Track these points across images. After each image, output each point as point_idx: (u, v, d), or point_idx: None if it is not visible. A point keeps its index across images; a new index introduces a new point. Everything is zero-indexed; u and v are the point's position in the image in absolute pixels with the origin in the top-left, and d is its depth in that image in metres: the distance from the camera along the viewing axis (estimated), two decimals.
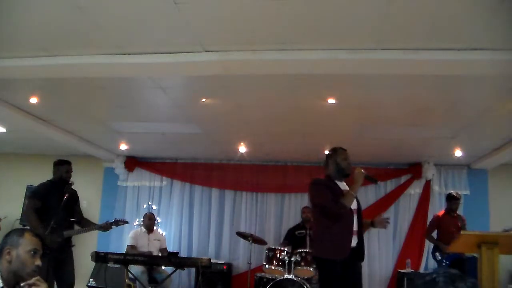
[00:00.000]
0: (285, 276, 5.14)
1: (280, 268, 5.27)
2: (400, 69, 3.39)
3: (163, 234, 6.84)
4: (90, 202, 7.27)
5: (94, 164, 7.61)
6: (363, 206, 3.83)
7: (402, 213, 6.98)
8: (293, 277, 5.12)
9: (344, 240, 3.41)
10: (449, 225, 5.59)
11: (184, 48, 3.32)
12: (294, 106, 4.66)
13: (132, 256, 4.73)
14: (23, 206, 7.02)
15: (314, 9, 2.75)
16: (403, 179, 7.08)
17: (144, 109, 5.07)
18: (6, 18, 3.01)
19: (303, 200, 7.21)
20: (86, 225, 4.65)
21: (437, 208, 6.80)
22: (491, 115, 4.54)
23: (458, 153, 6.10)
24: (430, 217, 6.77)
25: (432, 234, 5.88)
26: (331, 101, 4.38)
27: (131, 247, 5.94)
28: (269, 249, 5.46)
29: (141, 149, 7.21)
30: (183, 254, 7.05)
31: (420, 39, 3.02)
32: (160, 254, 6.01)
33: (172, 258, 4.67)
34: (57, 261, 4.29)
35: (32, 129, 5.78)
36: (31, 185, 7.06)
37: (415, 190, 7.04)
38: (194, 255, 7.18)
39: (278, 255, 5.33)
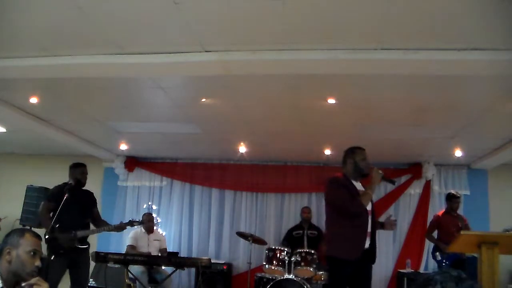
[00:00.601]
0: (285, 276, 5.15)
1: (280, 268, 5.27)
2: (400, 69, 3.39)
3: (163, 234, 6.84)
4: None
5: (94, 164, 7.58)
6: None
7: (402, 213, 6.98)
8: (293, 277, 5.12)
9: (359, 240, 3.40)
10: (449, 225, 5.58)
11: (184, 48, 3.32)
12: (294, 106, 4.66)
13: (132, 256, 4.73)
14: (23, 206, 7.02)
15: (314, 9, 2.75)
16: (403, 179, 7.08)
17: (144, 109, 5.07)
18: (6, 18, 3.01)
19: (303, 200, 7.23)
20: (101, 225, 4.67)
21: (437, 208, 6.80)
22: (491, 115, 4.54)
23: (458, 153, 6.10)
24: (430, 217, 6.77)
25: (433, 234, 5.87)
26: (331, 101, 4.38)
27: (131, 247, 5.94)
28: (269, 249, 5.47)
29: (141, 149, 7.22)
30: (183, 254, 7.05)
31: (420, 39, 3.02)
32: (160, 254, 6.00)
33: (172, 258, 4.68)
34: (73, 262, 4.33)
35: (32, 129, 5.78)
36: (31, 185, 7.07)
37: (415, 190, 7.04)
38: (194, 255, 7.18)
39: (278, 255, 5.33)
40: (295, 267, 5.22)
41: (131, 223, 4.78)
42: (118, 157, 7.52)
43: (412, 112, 4.67)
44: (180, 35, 3.15)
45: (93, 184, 7.53)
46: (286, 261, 5.27)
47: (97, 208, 4.84)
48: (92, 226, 4.70)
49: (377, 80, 3.83)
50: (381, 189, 7.04)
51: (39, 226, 6.38)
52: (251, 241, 5.93)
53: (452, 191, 5.95)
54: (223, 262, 6.84)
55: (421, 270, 6.58)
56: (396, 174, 7.06)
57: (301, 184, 7.27)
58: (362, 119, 4.99)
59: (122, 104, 4.92)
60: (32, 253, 2.14)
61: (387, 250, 6.87)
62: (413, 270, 6.35)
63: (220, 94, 4.45)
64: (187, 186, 7.59)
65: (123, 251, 6.11)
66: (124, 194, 7.66)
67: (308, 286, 5.05)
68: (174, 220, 7.46)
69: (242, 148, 6.38)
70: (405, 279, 6.12)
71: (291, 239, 6.36)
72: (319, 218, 7.02)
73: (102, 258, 4.40)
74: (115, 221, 5.60)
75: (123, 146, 6.88)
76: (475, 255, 3.90)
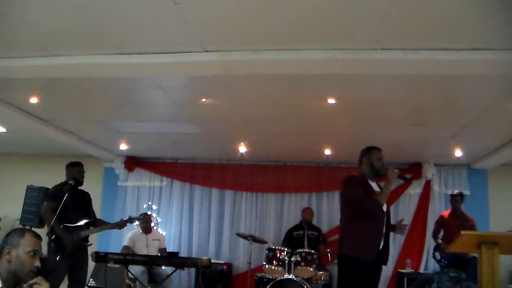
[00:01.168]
0: (285, 276, 5.15)
1: (280, 268, 5.27)
2: (400, 69, 3.39)
3: (163, 234, 6.84)
4: None
5: (94, 164, 7.60)
6: None
7: (402, 213, 6.96)
8: (293, 277, 5.12)
9: (374, 241, 3.40)
10: (452, 224, 5.59)
11: (184, 48, 3.32)
12: (294, 106, 4.66)
13: (132, 256, 4.73)
14: (23, 206, 7.02)
15: (314, 9, 2.75)
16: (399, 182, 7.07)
17: (144, 109, 5.07)
18: (6, 18, 3.01)
19: (303, 200, 7.23)
20: (101, 224, 4.69)
21: (437, 208, 6.81)
22: (491, 115, 4.54)
23: (458, 153, 6.10)
24: (430, 217, 6.80)
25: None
26: (331, 101, 4.38)
27: (126, 248, 5.93)
28: (269, 249, 5.47)
29: (141, 149, 7.21)
30: (183, 254, 7.05)
31: (420, 39, 3.02)
32: (159, 254, 6.00)
33: (172, 258, 4.68)
34: (73, 261, 4.33)
35: (32, 129, 5.78)
36: (31, 185, 7.07)
37: (415, 190, 7.03)
38: (194, 255, 7.18)
39: (278, 255, 5.34)
40: (295, 267, 5.22)
41: (131, 220, 4.81)
42: (118, 157, 7.52)
43: (412, 112, 4.67)
44: (180, 35, 3.15)
45: (93, 184, 7.55)
46: (286, 261, 5.27)
47: (92, 207, 4.85)
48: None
49: (377, 80, 3.83)
50: None
51: (39, 226, 6.40)
52: (251, 241, 5.93)
53: (454, 191, 5.98)
54: (223, 262, 6.84)
55: (421, 270, 6.58)
56: None
57: (301, 184, 7.26)
58: (362, 119, 4.99)
59: (122, 104, 4.92)
60: (32, 253, 2.14)
61: None
62: (413, 270, 6.35)
63: (220, 94, 4.45)
64: (187, 186, 7.59)
65: None
66: (124, 194, 7.66)
67: (308, 286, 5.06)
68: (174, 220, 7.46)
69: (242, 148, 6.38)
70: (405, 279, 6.12)
71: (291, 240, 6.36)
72: (319, 218, 7.02)
73: (102, 258, 4.40)
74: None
75: (123, 146, 6.88)
76: (476, 255, 3.90)
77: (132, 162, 7.60)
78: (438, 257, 5.64)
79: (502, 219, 5.90)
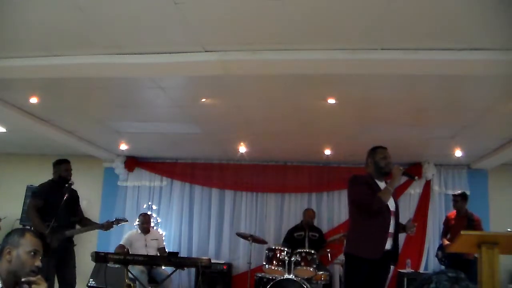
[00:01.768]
0: (285, 276, 5.15)
1: (280, 268, 5.27)
2: (400, 69, 3.39)
3: (163, 234, 6.83)
4: (90, 202, 7.26)
5: (94, 164, 7.61)
6: None
7: (402, 213, 6.83)
8: (293, 277, 5.12)
9: (379, 240, 3.38)
10: (455, 225, 5.62)
11: (184, 48, 3.32)
12: (294, 106, 4.66)
13: (132, 256, 4.73)
14: (23, 206, 7.02)
15: (314, 9, 2.75)
16: (403, 179, 7.04)
17: (144, 109, 5.07)
18: (7, 18, 3.01)
19: (303, 200, 7.23)
20: (87, 224, 4.66)
21: (437, 208, 6.81)
22: (491, 115, 4.54)
23: (458, 153, 6.10)
24: (430, 217, 6.81)
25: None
26: (331, 101, 4.38)
27: (120, 246, 5.92)
28: (269, 249, 5.47)
29: (141, 149, 7.22)
30: (183, 254, 7.04)
31: (420, 39, 3.02)
32: (158, 254, 6.00)
33: (172, 258, 4.67)
34: (59, 261, 4.30)
35: (32, 129, 5.78)
36: (31, 185, 7.06)
37: (415, 190, 7.03)
38: (194, 255, 7.18)
39: (278, 255, 5.34)
40: (295, 267, 5.23)
41: (118, 221, 4.74)
42: (118, 157, 7.52)
43: (412, 112, 4.67)
44: (180, 35, 3.15)
45: (93, 184, 7.60)
46: (286, 261, 5.27)
47: (80, 206, 4.77)
48: (77, 225, 4.66)
49: (377, 80, 3.83)
50: None
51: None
52: (251, 241, 5.92)
53: (457, 191, 6.02)
54: (223, 262, 6.84)
55: (421, 270, 6.58)
56: None
57: (301, 184, 7.26)
58: (362, 119, 4.99)
59: (122, 104, 4.92)
60: (32, 253, 2.14)
61: None
62: (413, 270, 6.35)
63: (220, 94, 4.45)
64: (187, 186, 7.59)
65: None
66: (124, 194, 7.66)
67: (308, 286, 5.06)
68: (174, 220, 7.46)
69: (242, 148, 6.38)
70: (405, 279, 6.12)
71: (292, 241, 6.35)
72: (319, 218, 7.02)
73: (102, 258, 4.39)
74: None
75: (123, 146, 6.87)
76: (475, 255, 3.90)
77: (132, 162, 7.60)
78: (440, 256, 5.66)
79: (502, 219, 5.90)
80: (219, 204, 7.47)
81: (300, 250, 5.36)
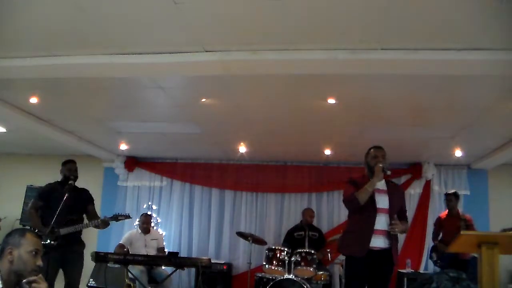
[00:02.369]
0: (285, 276, 5.15)
1: (280, 268, 5.27)
2: (400, 69, 3.39)
3: (162, 234, 6.83)
4: None
5: (94, 164, 7.61)
6: None
7: None
8: (293, 277, 5.12)
9: (362, 238, 3.43)
10: (448, 224, 5.58)
11: (184, 48, 3.32)
12: (294, 106, 4.66)
13: (132, 256, 4.72)
14: (23, 206, 7.02)
15: (314, 9, 2.75)
16: (403, 179, 7.08)
17: (144, 109, 5.07)
18: (7, 18, 3.01)
19: (303, 200, 7.23)
20: (88, 221, 4.56)
21: (437, 208, 6.81)
22: (491, 115, 4.54)
23: (458, 153, 6.10)
24: (430, 217, 6.80)
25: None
26: (331, 101, 4.38)
27: (120, 246, 5.91)
28: (269, 249, 5.47)
29: (141, 149, 7.22)
30: (183, 254, 7.04)
31: (420, 39, 3.02)
32: (158, 253, 6.00)
33: (172, 258, 4.67)
34: (64, 261, 4.27)
35: (32, 129, 5.78)
36: (31, 185, 7.07)
37: (415, 190, 7.04)
38: (194, 255, 7.18)
39: (278, 255, 5.33)
40: (295, 267, 5.22)
41: (116, 217, 4.59)
42: (118, 157, 7.52)
43: (412, 112, 4.67)
44: (180, 35, 3.15)
45: (93, 184, 7.53)
46: (286, 261, 5.27)
47: (92, 206, 4.65)
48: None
49: (377, 80, 3.83)
50: None
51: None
52: (251, 241, 5.92)
53: (449, 190, 5.97)
54: (223, 262, 6.84)
55: (421, 270, 6.58)
56: (396, 174, 7.07)
57: (301, 184, 7.27)
58: (362, 119, 4.99)
59: (122, 104, 4.92)
60: (33, 252, 2.15)
61: None
62: (413, 270, 6.35)
63: (220, 94, 4.45)
64: (187, 186, 7.59)
65: None
66: (124, 194, 7.66)
67: (308, 286, 5.06)
68: (174, 220, 7.46)
69: (242, 148, 6.38)
70: (405, 279, 6.12)
71: (292, 240, 6.34)
72: (319, 218, 7.02)
73: (102, 258, 4.39)
74: None
75: (123, 146, 6.88)
76: (475, 255, 3.90)
77: (132, 162, 7.60)
78: (435, 258, 5.62)
79: (502, 219, 5.89)
80: (219, 204, 7.47)
81: (300, 250, 5.36)
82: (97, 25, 3.05)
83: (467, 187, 6.91)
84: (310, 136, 5.83)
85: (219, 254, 7.26)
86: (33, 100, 4.72)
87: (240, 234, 6.17)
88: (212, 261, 4.94)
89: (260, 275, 5.71)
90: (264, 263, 5.41)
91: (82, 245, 4.53)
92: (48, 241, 4.06)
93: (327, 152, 6.42)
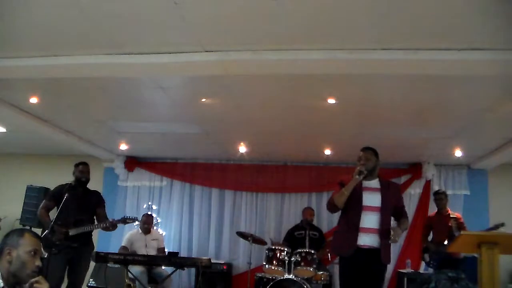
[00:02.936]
0: (285, 276, 5.15)
1: (280, 268, 5.27)
2: (400, 69, 3.39)
3: (162, 234, 6.83)
4: None
5: (94, 164, 7.54)
6: None
7: None
8: (293, 277, 5.12)
9: (348, 237, 3.46)
10: (438, 224, 5.53)
11: (184, 48, 3.32)
12: (294, 106, 4.66)
13: (132, 256, 4.72)
14: (23, 206, 7.02)
15: (314, 9, 2.75)
16: (403, 179, 7.08)
17: (144, 109, 5.07)
18: (6, 18, 3.01)
19: (303, 200, 7.23)
20: (97, 223, 4.59)
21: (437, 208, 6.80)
22: (491, 115, 4.54)
23: (458, 153, 6.10)
24: None
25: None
26: (331, 101, 4.38)
27: (123, 248, 5.92)
28: (269, 249, 5.46)
29: (141, 149, 7.22)
30: (183, 254, 7.04)
31: (420, 39, 3.02)
32: (158, 254, 6.00)
33: (172, 258, 4.67)
34: (72, 261, 4.30)
35: (32, 129, 5.78)
36: (31, 185, 7.07)
37: (415, 190, 7.03)
38: (194, 255, 7.18)
39: (278, 255, 5.33)
40: (295, 267, 5.22)
41: (124, 220, 4.68)
42: (118, 157, 7.52)
43: (412, 112, 4.67)
44: (180, 35, 3.15)
45: (93, 184, 7.54)
46: (286, 261, 5.27)
47: (103, 209, 4.72)
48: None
49: (377, 80, 3.83)
50: None
51: (39, 226, 6.39)
52: (251, 241, 5.92)
53: (439, 190, 5.95)
54: (223, 262, 6.84)
55: (421, 270, 6.57)
56: (396, 174, 7.07)
57: (301, 184, 7.26)
58: (362, 119, 4.99)
59: (122, 104, 4.92)
60: (32, 253, 2.14)
61: None
62: (413, 270, 6.35)
63: (220, 94, 4.45)
64: (187, 186, 7.58)
65: None
66: (124, 194, 7.66)
67: (308, 286, 5.05)
68: (174, 220, 7.46)
69: (242, 148, 6.38)
70: (405, 279, 6.12)
71: (293, 240, 6.34)
72: (319, 218, 7.02)
73: (102, 258, 4.38)
74: None
75: (123, 146, 6.87)
76: (475, 255, 3.90)
77: (132, 162, 7.60)
78: (427, 259, 5.58)
79: (502, 219, 5.88)
80: (219, 204, 7.47)
81: (300, 250, 5.36)
82: (97, 25, 3.05)
83: (467, 187, 6.91)
84: (310, 136, 5.83)
85: (219, 254, 7.25)
86: (33, 100, 4.72)
87: (240, 234, 6.17)
88: (212, 261, 4.94)
89: (260, 275, 5.71)
90: (264, 263, 5.40)
91: (92, 247, 4.56)
92: (54, 240, 4.12)
93: (327, 152, 6.42)
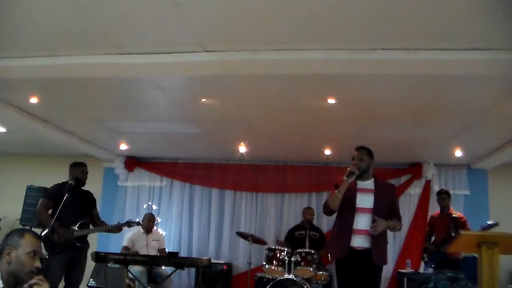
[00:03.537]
0: (285, 276, 5.15)
1: (280, 268, 5.27)
2: (400, 69, 3.39)
3: (163, 235, 6.83)
4: None
5: (94, 164, 7.56)
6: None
7: (402, 213, 6.79)
8: (293, 277, 5.12)
9: (341, 238, 3.48)
10: (439, 224, 5.52)
11: (184, 48, 3.32)
12: (294, 106, 4.66)
13: (132, 256, 4.73)
14: (23, 206, 7.02)
15: (314, 9, 2.75)
16: (403, 179, 7.08)
17: (144, 109, 5.07)
18: (6, 18, 3.01)
19: (303, 200, 7.23)
20: (98, 225, 4.65)
21: (437, 208, 6.78)
22: (491, 115, 4.54)
23: (458, 153, 6.10)
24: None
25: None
26: (331, 101, 4.38)
27: (125, 248, 5.92)
28: (269, 249, 5.46)
29: (141, 149, 7.22)
30: (183, 254, 7.04)
31: (420, 39, 3.02)
32: (158, 254, 6.00)
33: (172, 258, 4.67)
34: (70, 261, 4.32)
35: (32, 129, 5.78)
36: (31, 185, 7.07)
37: (415, 190, 7.03)
38: (194, 255, 7.18)
39: (278, 255, 5.33)
40: (295, 267, 5.22)
41: (129, 223, 4.77)
42: (118, 157, 7.52)
43: (412, 112, 4.67)
44: (180, 35, 3.15)
45: (93, 184, 7.51)
46: (286, 261, 5.27)
47: (96, 209, 4.81)
48: (90, 227, 4.68)
49: (377, 80, 3.83)
50: None
51: (39, 226, 6.39)
52: (251, 241, 5.92)
53: (440, 189, 5.95)
54: (223, 262, 6.84)
55: (421, 270, 6.57)
56: (396, 174, 7.08)
57: (301, 184, 7.26)
58: (362, 119, 4.99)
59: (122, 104, 4.92)
60: (32, 254, 2.13)
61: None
62: (413, 270, 6.35)
63: (220, 94, 4.45)
64: (187, 186, 7.58)
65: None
66: (124, 194, 7.66)
67: (308, 286, 5.06)
68: (174, 220, 7.46)
69: (242, 148, 6.38)
70: (405, 279, 6.12)
71: (293, 240, 6.35)
72: (319, 218, 7.02)
73: (102, 258, 4.39)
74: (114, 222, 5.60)
75: (123, 146, 6.88)
76: (475, 255, 3.90)
77: (132, 162, 7.60)
78: (426, 259, 5.58)
79: (502, 219, 5.88)
80: (219, 204, 7.47)
81: (300, 250, 5.36)
82: (97, 25, 3.05)
83: (467, 187, 6.91)
84: (310, 136, 5.83)
85: (219, 254, 7.25)
86: (33, 100, 4.72)
87: (240, 234, 6.17)
88: (212, 261, 4.94)
89: (260, 275, 5.72)
90: (264, 263, 5.40)
91: (87, 245, 4.59)
92: (57, 240, 4.13)
93: (327, 152, 6.42)
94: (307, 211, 6.57)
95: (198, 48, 3.29)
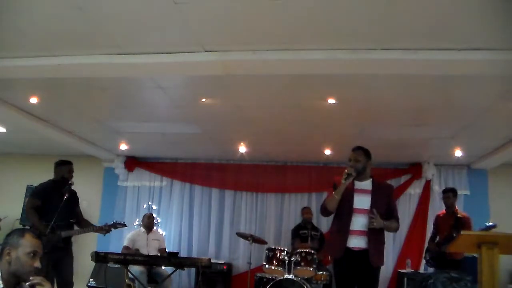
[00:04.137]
0: (285, 276, 5.15)
1: (280, 268, 5.27)
2: (400, 69, 3.39)
3: (163, 234, 6.83)
4: (90, 202, 7.26)
5: (94, 164, 7.61)
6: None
7: (402, 213, 6.95)
8: (293, 277, 5.12)
9: (337, 239, 3.49)
10: (443, 223, 5.51)
11: (184, 48, 3.32)
12: (294, 106, 4.66)
13: (132, 256, 4.72)
14: (23, 206, 7.02)
15: (314, 9, 2.75)
16: (403, 179, 7.08)
17: (144, 109, 5.07)
18: (7, 19, 3.01)
19: (303, 200, 7.23)
20: (85, 226, 4.63)
21: (437, 208, 6.79)
22: (491, 115, 4.54)
23: (458, 153, 6.10)
24: (430, 217, 6.78)
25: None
26: (331, 101, 4.38)
27: (126, 248, 5.92)
28: (269, 249, 5.46)
29: (141, 149, 7.22)
30: (183, 254, 7.05)
31: (420, 39, 3.02)
32: (158, 254, 6.00)
33: (172, 258, 4.67)
34: (56, 261, 4.29)
35: (32, 129, 5.78)
36: (31, 185, 7.06)
37: (415, 190, 7.04)
38: (194, 255, 7.19)
39: (278, 255, 5.33)
40: (295, 267, 5.22)
41: (115, 225, 4.70)
42: (118, 157, 7.52)
43: (412, 112, 4.67)
44: (180, 35, 3.15)
45: (93, 184, 7.60)
46: (286, 261, 5.27)
47: (79, 207, 4.74)
48: (75, 226, 4.64)
49: (377, 80, 3.83)
50: None
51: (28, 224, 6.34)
52: (251, 241, 5.93)
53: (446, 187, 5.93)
54: (223, 262, 6.84)
55: (421, 270, 6.58)
56: (396, 174, 7.08)
57: (301, 184, 7.27)
58: (362, 119, 4.99)
59: (122, 104, 4.92)
60: (32, 254, 2.13)
61: (387, 250, 6.84)
62: (413, 270, 6.35)
63: (220, 94, 4.45)
64: (187, 186, 7.59)
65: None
66: (124, 194, 7.66)
67: (308, 286, 5.05)
68: (174, 220, 7.46)
69: (242, 148, 6.38)
70: (405, 279, 6.12)
71: (298, 237, 6.38)
72: (319, 219, 7.01)
73: (102, 258, 4.38)
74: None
75: (123, 146, 6.88)
76: (475, 255, 3.90)
77: (132, 162, 7.60)
78: (427, 258, 5.58)
79: (502, 219, 5.88)
80: (219, 204, 7.47)
81: (300, 250, 5.36)
82: (97, 25, 3.05)
83: (467, 187, 6.91)
84: (310, 136, 5.83)
85: (219, 254, 7.26)
86: (33, 100, 4.72)
87: (240, 234, 6.17)
88: (212, 261, 4.94)
89: (260, 275, 5.72)
90: (264, 263, 5.40)
91: (71, 244, 4.57)
92: (49, 241, 4.08)
93: (327, 152, 6.42)
94: (305, 211, 6.61)
95: (198, 48, 3.29)
